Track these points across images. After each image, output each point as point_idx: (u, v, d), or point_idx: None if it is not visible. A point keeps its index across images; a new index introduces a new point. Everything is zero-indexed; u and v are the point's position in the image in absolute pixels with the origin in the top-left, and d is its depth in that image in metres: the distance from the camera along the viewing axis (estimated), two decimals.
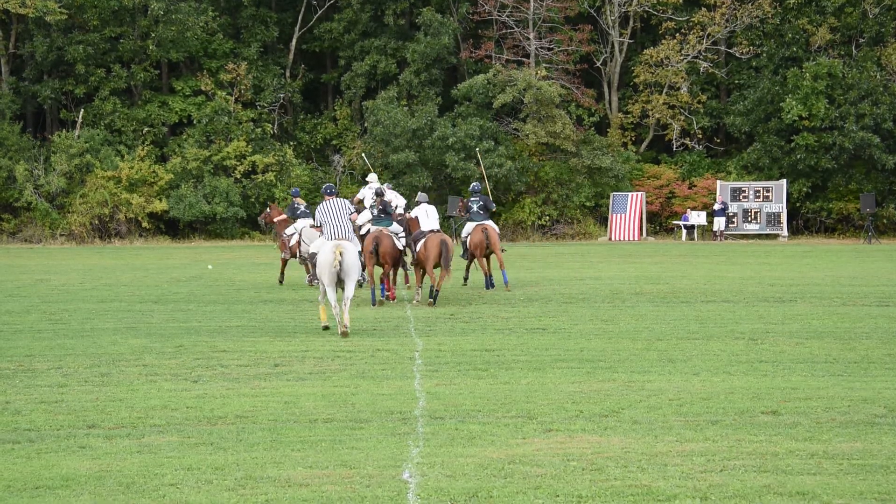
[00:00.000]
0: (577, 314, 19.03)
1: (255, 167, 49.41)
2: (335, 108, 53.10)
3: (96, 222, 47.52)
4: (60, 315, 19.06)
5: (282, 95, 51.60)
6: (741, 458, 9.11)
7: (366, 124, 50.37)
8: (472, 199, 24.26)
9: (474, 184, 24.79)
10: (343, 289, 16.59)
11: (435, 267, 21.20)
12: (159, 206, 47.91)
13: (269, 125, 51.06)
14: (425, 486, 8.31)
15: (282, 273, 25.60)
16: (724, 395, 11.58)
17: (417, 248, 21.61)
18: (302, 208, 25.78)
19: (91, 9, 49.64)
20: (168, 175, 48.44)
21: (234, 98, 50.52)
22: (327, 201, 17.32)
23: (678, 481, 8.43)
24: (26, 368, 13.42)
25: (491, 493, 8.17)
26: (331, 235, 16.97)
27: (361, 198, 25.50)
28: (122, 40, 50.40)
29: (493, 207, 24.79)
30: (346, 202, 17.44)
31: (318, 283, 17.44)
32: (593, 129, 50.39)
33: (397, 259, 21.91)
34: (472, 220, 23.96)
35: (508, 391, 11.94)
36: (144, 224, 47.45)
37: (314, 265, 17.14)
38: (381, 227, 21.83)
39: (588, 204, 49.28)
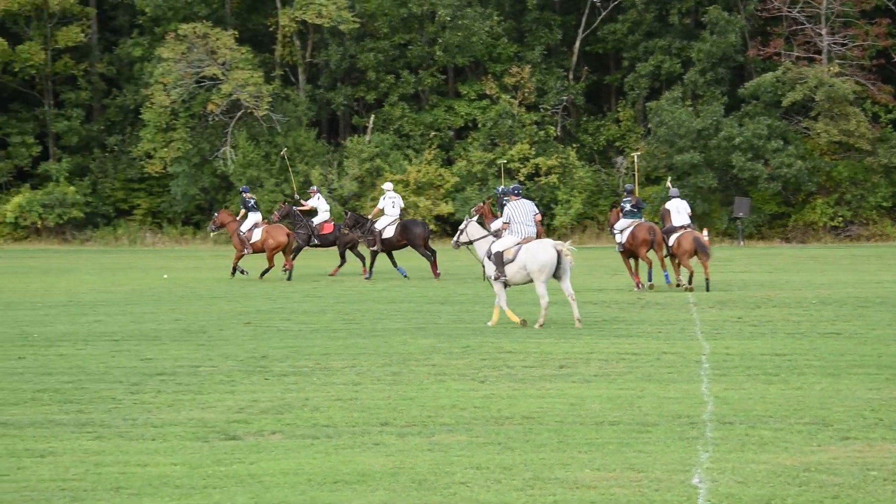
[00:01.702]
0: (874, 318, 18.26)
1: (538, 169, 49.76)
2: (618, 109, 52.84)
3: None
4: (353, 315, 19.69)
5: (565, 98, 51.74)
6: None
7: (649, 125, 49.92)
8: (624, 199, 25.38)
9: (628, 185, 26.27)
10: (561, 285, 17.55)
11: (689, 258, 23.65)
12: (445, 208, 48.89)
13: (553, 127, 51.29)
14: (716, 492, 8.14)
15: (235, 266, 28.59)
16: None
17: (671, 242, 24.09)
18: (252, 203, 28.82)
19: (382, 17, 51.15)
20: (454, 178, 49.37)
21: (517, 101, 51.02)
22: (515, 201, 17.99)
23: None
24: (323, 367, 13.91)
25: (785, 502, 7.93)
26: (519, 233, 17.74)
27: (382, 207, 28.70)
28: (410, 47, 51.70)
29: (645, 206, 26.48)
30: (532, 203, 18.19)
31: (499, 281, 17.81)
32: (891, 126, 48.27)
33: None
34: (624, 217, 25.10)
35: (801, 397, 11.56)
36: (431, 227, 48.50)
37: (501, 263, 17.65)
38: (636, 221, 24.41)
39: (885, 205, 47.28)
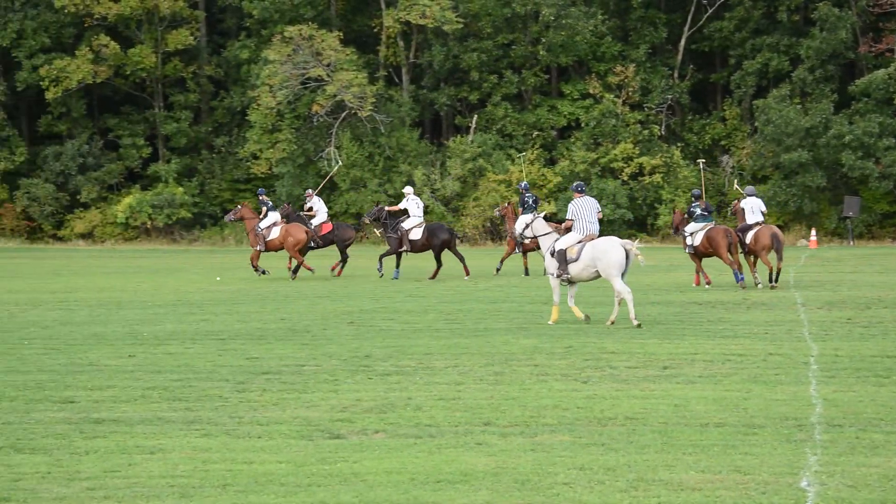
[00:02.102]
0: None
1: (641, 169, 49.40)
2: (724, 107, 52.22)
3: (488, 224, 48.95)
4: (456, 315, 19.72)
5: (669, 96, 51.29)
6: None
7: (756, 124, 49.25)
8: (693, 204, 25.93)
9: (695, 190, 26.81)
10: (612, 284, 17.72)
11: (768, 253, 24.50)
12: (548, 207, 48.74)
13: (657, 126, 50.88)
14: (825, 496, 8.00)
15: (255, 265, 29.18)
16: None
17: (748, 239, 24.98)
18: (269, 204, 29.73)
19: (485, 17, 51.20)
20: (556, 178, 49.23)
21: (621, 100, 50.70)
22: (579, 199, 18.19)
23: None
24: (426, 366, 13.96)
25: None
26: (582, 231, 17.93)
27: (405, 207, 28.96)
28: (513, 46, 51.68)
29: (714, 209, 27.01)
30: (595, 201, 18.41)
31: (562, 280, 17.97)
32: None
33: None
34: (695, 221, 25.60)
35: None
36: None
37: (564, 261, 17.81)
38: (708, 224, 25.22)
39: None
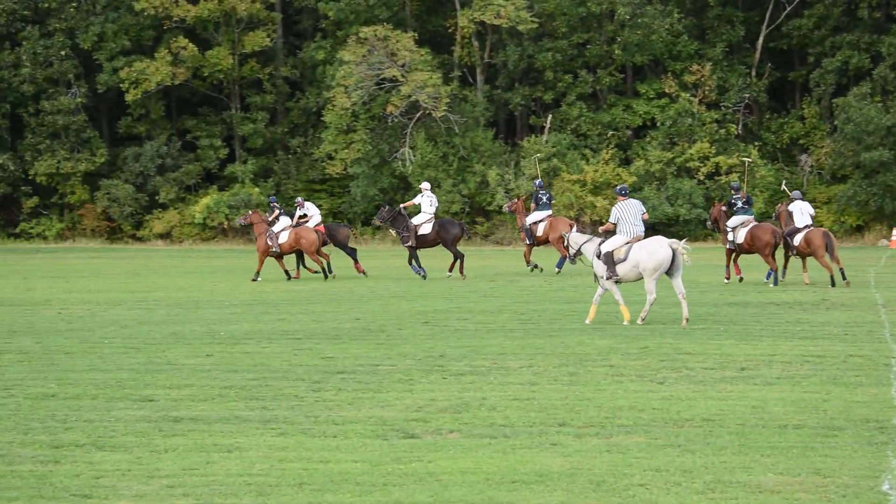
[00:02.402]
0: None
1: (718, 168, 48.96)
2: (803, 106, 51.59)
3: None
4: (530, 315, 19.69)
5: (747, 95, 50.77)
6: None
7: (835, 122, 48.58)
8: (734, 196, 26.46)
9: (734, 182, 27.56)
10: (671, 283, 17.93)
11: (824, 254, 24.56)
12: None
13: (734, 126, 50.39)
14: None
15: (283, 269, 29.50)
16: None
17: (797, 241, 25.18)
18: (281, 211, 29.74)
19: (560, 16, 51.05)
20: (631, 178, 48.93)
21: (697, 99, 50.30)
22: (623, 202, 18.41)
23: None
24: (500, 366, 13.95)
25: None
26: (628, 233, 18.15)
27: (418, 203, 29.30)
28: (588, 46, 51.47)
29: (754, 202, 27.56)
30: (639, 203, 18.60)
31: (607, 281, 18.10)
32: None
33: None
34: (736, 214, 26.20)
35: None
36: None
37: (613, 263, 18.02)
38: (749, 219, 25.90)
39: None
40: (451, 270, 29.43)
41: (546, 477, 8.67)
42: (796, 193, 26.62)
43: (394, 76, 50.03)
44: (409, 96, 49.63)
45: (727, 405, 11.23)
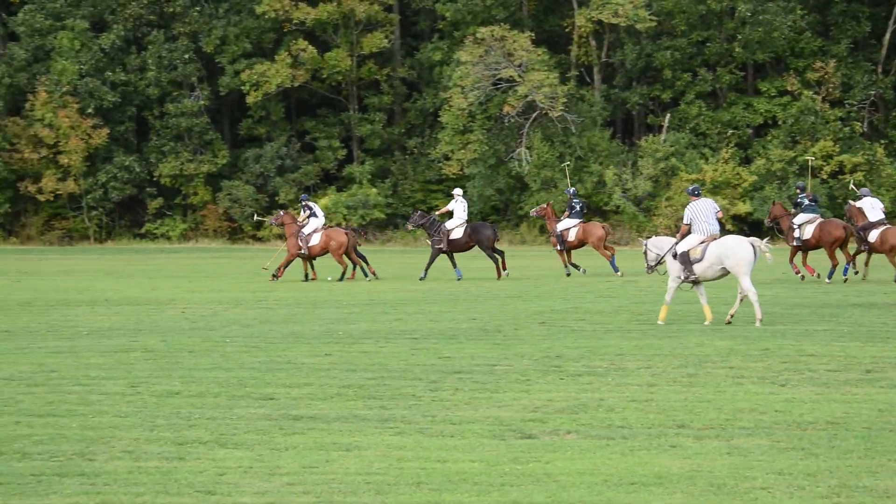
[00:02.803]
0: None
1: (842, 167, 48.00)
2: None
3: (678, 225, 48.34)
4: (648, 316, 19.50)
5: (872, 92, 49.70)
6: None
7: None
8: (799, 195, 27.51)
9: (800, 182, 28.96)
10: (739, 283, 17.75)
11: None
12: (743, 207, 47.84)
13: (859, 123, 49.38)
14: None
15: (305, 271, 29.79)
16: None
17: (873, 238, 25.73)
18: (314, 210, 29.97)
19: (679, 14, 50.56)
20: (752, 177, 48.25)
21: (820, 97, 49.38)
22: (696, 201, 18.36)
23: None
24: (618, 367, 13.84)
25: None
26: (703, 232, 18.11)
27: (451, 209, 29.75)
28: (708, 44, 50.90)
29: (820, 200, 28.62)
30: (712, 202, 18.70)
31: (689, 281, 18.13)
32: None
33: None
34: (804, 212, 26.97)
35: None
36: (728, 227, 47.53)
37: (689, 262, 18.00)
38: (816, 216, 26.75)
39: None
40: (504, 269, 29.57)
41: (665, 479, 8.58)
42: (864, 190, 27.54)
43: (510, 76, 50.02)
44: (526, 96, 49.58)
45: (852, 408, 11.00)
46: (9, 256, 45.87)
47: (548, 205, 31.78)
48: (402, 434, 10.27)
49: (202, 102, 55.09)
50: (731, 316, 18.06)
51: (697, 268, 18.01)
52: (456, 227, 29.62)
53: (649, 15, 49.65)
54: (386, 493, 8.42)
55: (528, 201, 50.09)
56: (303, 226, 29.73)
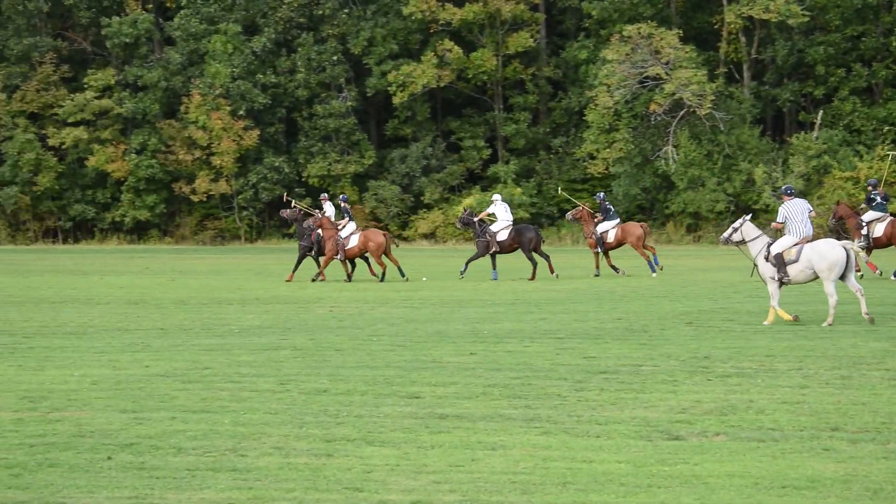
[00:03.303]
0: None
1: None
2: None
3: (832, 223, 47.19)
4: (800, 316, 19.10)
5: None
6: None
7: None
8: (872, 192, 27.68)
9: (871, 179, 29.00)
10: (846, 282, 17.69)
11: None
12: None
13: None
14: None
15: (348, 274, 29.99)
16: None
17: None
18: (348, 217, 30.18)
19: (833, 9, 49.47)
20: None
21: None
22: (789, 201, 18.26)
23: None
24: (767, 368, 13.59)
25: None
26: (797, 233, 17.99)
27: (493, 212, 30.36)
28: (863, 38, 49.68)
29: (890, 199, 28.69)
30: (806, 202, 18.63)
31: (773, 282, 18.06)
32: None
33: None
34: (874, 209, 27.26)
35: None
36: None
37: (783, 264, 17.86)
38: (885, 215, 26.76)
39: None
40: (553, 272, 29.96)
41: (818, 483, 8.40)
42: None
43: (657, 74, 49.54)
44: (673, 94, 49.05)
45: None
46: (164, 256, 47.12)
47: (582, 207, 32.11)
48: (547, 434, 10.24)
49: (349, 103, 55.81)
50: (867, 314, 17.70)
51: (792, 269, 17.86)
52: (502, 229, 30.22)
53: (802, 10, 48.65)
54: (532, 492, 8.40)
55: (674, 200, 49.53)
56: (340, 229, 29.88)
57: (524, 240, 30.02)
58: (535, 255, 29.96)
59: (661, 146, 50.53)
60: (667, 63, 49.49)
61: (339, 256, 29.87)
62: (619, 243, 30.62)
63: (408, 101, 54.50)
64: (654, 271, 29.86)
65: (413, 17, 54.06)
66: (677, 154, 49.54)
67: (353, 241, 29.84)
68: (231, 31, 55.94)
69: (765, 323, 18.08)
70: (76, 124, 56.73)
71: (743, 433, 10.11)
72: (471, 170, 55.53)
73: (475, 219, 30.93)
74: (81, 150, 56.65)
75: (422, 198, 54.72)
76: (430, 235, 54.14)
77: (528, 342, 16.41)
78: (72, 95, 57.02)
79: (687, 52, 49.85)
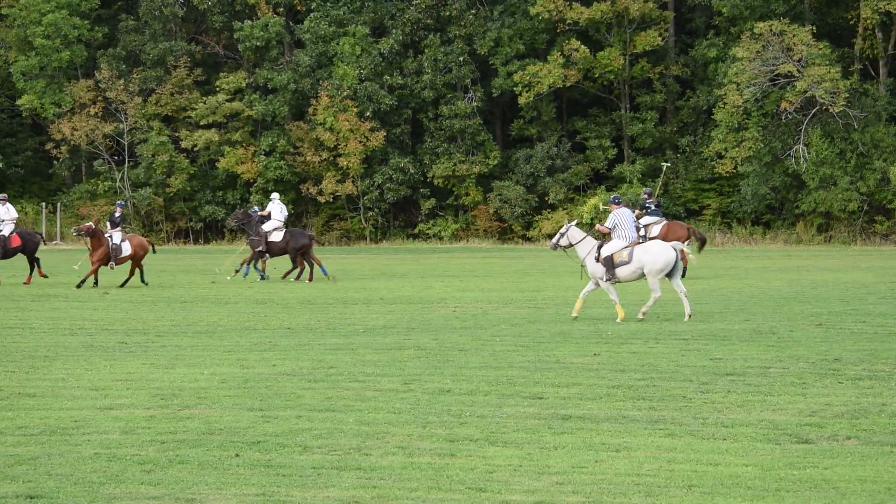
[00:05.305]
0: None
1: None
2: None
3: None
4: None
5: None
6: None
7: None
8: (647, 200, 28.64)
9: (647, 188, 30.52)
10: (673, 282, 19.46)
11: None
12: None
13: None
14: None
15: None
16: None
17: None
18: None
19: None
20: None
21: None
22: (618, 210, 19.86)
23: None
24: None
25: None
26: (626, 238, 19.60)
27: (269, 212, 30.52)
28: None
29: None
30: (630, 211, 20.29)
31: (605, 283, 19.54)
32: None
33: None
34: (650, 215, 28.20)
35: None
36: None
37: (613, 266, 19.37)
38: None
39: None
40: (311, 280, 30.08)
41: None
42: None
43: (789, 71, 48.65)
44: (805, 92, 48.13)
45: None
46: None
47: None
48: (672, 436, 10.14)
49: (475, 104, 55.91)
50: (689, 316, 19.24)
51: (622, 271, 19.46)
52: (275, 230, 30.19)
53: None
54: (656, 494, 8.32)
55: (804, 199, 48.62)
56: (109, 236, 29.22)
57: (297, 245, 30.01)
58: (304, 259, 30.10)
59: (791, 144, 49.63)
60: (799, 60, 48.57)
61: (110, 264, 29.51)
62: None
63: (533, 101, 54.38)
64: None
65: (540, 17, 53.91)
66: (808, 152, 48.60)
67: (126, 249, 29.22)
68: (359, 33, 56.46)
69: (617, 321, 19.07)
70: (208, 126, 57.81)
71: (875, 437, 9.88)
72: (596, 170, 55.20)
73: (257, 214, 30.87)
74: (212, 152, 57.72)
75: (546, 198, 54.55)
76: (554, 236, 53.90)
77: (653, 343, 16.27)
78: (204, 98, 58.12)
79: (820, 49, 48.86)
